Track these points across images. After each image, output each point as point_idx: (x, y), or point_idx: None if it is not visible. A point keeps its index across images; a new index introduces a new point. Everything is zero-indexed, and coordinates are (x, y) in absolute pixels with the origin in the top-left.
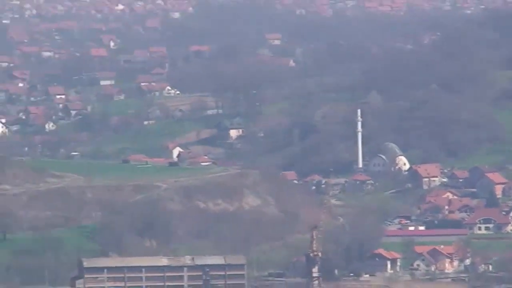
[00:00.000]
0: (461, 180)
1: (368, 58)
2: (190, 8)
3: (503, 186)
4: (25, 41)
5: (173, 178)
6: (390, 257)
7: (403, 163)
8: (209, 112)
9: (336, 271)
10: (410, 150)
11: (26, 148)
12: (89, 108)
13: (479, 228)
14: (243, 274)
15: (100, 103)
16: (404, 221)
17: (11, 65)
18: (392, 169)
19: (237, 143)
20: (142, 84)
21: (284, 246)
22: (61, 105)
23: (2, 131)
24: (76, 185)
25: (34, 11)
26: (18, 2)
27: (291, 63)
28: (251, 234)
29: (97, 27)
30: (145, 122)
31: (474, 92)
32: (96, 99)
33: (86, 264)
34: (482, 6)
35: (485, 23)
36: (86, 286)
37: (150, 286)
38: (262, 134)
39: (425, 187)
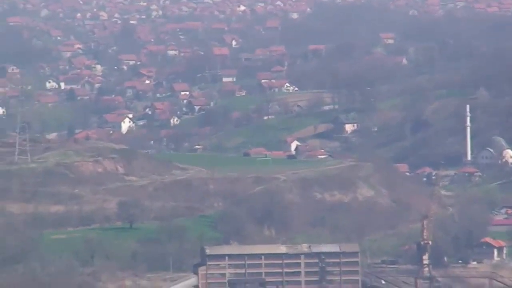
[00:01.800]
0: None
1: (476, 56)
2: (308, 9)
3: None
4: (152, 40)
5: (291, 170)
6: (497, 245)
7: (510, 156)
8: (326, 107)
9: (445, 258)
10: None
11: (152, 142)
12: (211, 103)
13: None
14: (357, 261)
15: (222, 99)
16: (510, 211)
17: (138, 63)
18: (499, 161)
19: (352, 137)
20: (262, 81)
21: (396, 235)
22: (185, 101)
23: (130, 126)
24: (199, 177)
25: (160, 12)
26: (145, 4)
27: (404, 61)
28: (364, 224)
29: (220, 27)
30: (265, 117)
31: None
32: (218, 95)
33: (208, 251)
34: None
35: None
36: (208, 272)
37: (269, 272)
38: (375, 129)
39: None
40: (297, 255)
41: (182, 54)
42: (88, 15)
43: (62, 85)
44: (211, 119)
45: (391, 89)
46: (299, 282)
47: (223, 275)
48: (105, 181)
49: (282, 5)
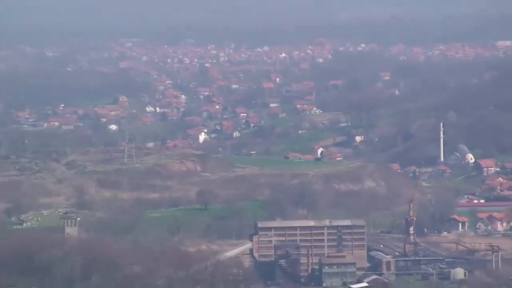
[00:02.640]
0: (509, 169)
1: (447, 89)
2: (329, 56)
3: None
4: (220, 77)
5: (317, 168)
6: (461, 221)
7: (470, 158)
8: (342, 124)
9: (425, 230)
10: (475, 149)
11: (220, 149)
12: (262, 122)
13: None
14: (364, 232)
15: (269, 119)
16: (470, 197)
17: (211, 94)
18: (463, 162)
19: (360, 145)
20: (297, 106)
21: (390, 214)
22: (243, 120)
23: (205, 138)
24: (253, 173)
25: (226, 58)
26: (215, 52)
27: (397, 92)
28: (368, 206)
29: (267, 68)
30: (299, 131)
31: None
32: (267, 116)
33: (260, 225)
34: None
35: None
36: (260, 240)
37: (302, 240)
38: (377, 139)
39: (484, 174)
40: (321, 228)
41: (241, 87)
42: (176, 60)
43: (157, 109)
44: (262, 133)
45: (388, 112)
46: (323, 247)
47: (270, 241)
48: (187, 176)
49: (311, 52)
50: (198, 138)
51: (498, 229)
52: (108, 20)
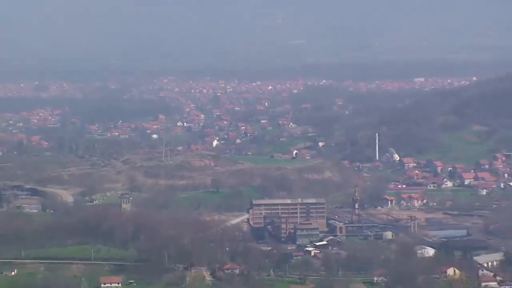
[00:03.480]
0: (422, 164)
1: (381, 111)
2: (301, 88)
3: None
4: (227, 102)
5: (293, 164)
6: (390, 199)
7: (396, 157)
8: (310, 134)
9: (365, 205)
10: (400, 151)
11: (227, 151)
12: (255, 133)
13: (431, 186)
14: (324, 207)
15: (261, 130)
16: (396, 183)
17: (221, 113)
18: (391, 160)
19: (322, 148)
20: (280, 122)
21: (342, 194)
22: (243, 132)
23: (217, 143)
24: (249, 167)
25: (231, 89)
26: (223, 85)
27: (347, 112)
28: (328, 189)
29: (259, 96)
30: (281, 139)
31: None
32: (259, 129)
33: (254, 202)
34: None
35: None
36: (254, 212)
37: (283, 212)
38: (333, 144)
39: (406, 168)
40: (295, 204)
41: (242, 109)
42: (197, 90)
43: (185, 124)
44: (255, 140)
45: (340, 126)
46: (296, 217)
47: (261, 213)
48: (204, 170)
49: (289, 86)
50: (212, 144)
51: (415, 205)
52: (152, 62)
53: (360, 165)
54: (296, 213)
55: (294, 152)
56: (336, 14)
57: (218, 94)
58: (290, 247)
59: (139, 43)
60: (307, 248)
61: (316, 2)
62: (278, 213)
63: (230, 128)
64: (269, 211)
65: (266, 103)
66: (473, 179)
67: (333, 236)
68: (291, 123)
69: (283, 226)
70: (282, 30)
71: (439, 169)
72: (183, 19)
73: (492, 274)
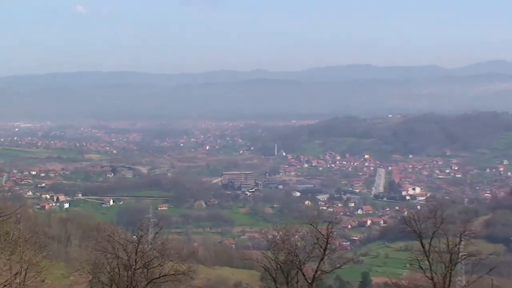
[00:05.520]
0: (295, 157)
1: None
2: (241, 125)
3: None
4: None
5: (240, 156)
6: (281, 172)
7: (284, 153)
8: (247, 144)
9: (271, 174)
10: (286, 151)
11: (213, 151)
12: (225, 143)
13: (299, 166)
14: (253, 175)
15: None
16: (284, 165)
17: (209, 135)
18: (282, 155)
19: (252, 150)
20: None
21: (261, 170)
22: (219, 143)
23: (208, 148)
24: (222, 158)
25: (214, 125)
26: (231, 124)
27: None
28: (254, 168)
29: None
30: (235, 146)
31: None
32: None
33: (223, 172)
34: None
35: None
36: (223, 177)
37: (236, 177)
38: (257, 148)
39: (288, 158)
40: (240, 174)
41: (218, 133)
42: (197, 132)
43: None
44: (225, 147)
45: (261, 141)
46: (241, 179)
47: (226, 177)
48: (203, 159)
49: (236, 123)
50: (206, 148)
51: (292, 174)
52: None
53: (269, 157)
54: (241, 177)
55: (241, 151)
56: None
57: (208, 127)
58: (239, 192)
59: None
60: (246, 192)
61: None
62: (234, 177)
63: (214, 142)
64: (230, 176)
65: (228, 131)
66: (317, 164)
67: (257, 187)
68: (240, 139)
69: (236, 183)
70: None
71: (302, 158)
72: None
73: (324, 203)
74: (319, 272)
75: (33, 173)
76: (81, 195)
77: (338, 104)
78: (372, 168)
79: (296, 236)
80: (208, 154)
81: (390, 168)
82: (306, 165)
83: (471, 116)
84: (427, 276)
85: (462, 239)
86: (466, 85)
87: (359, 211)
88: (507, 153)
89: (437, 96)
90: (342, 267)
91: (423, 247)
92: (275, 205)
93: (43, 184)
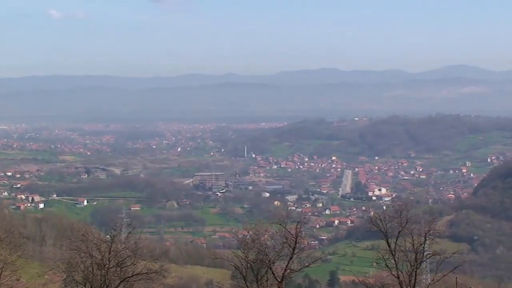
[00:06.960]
0: (264, 158)
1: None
2: (211, 127)
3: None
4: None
5: (211, 158)
6: (251, 172)
7: (253, 155)
8: (218, 146)
9: (240, 175)
10: (255, 153)
11: (185, 153)
12: (196, 145)
13: (268, 168)
14: (223, 175)
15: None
16: (253, 166)
17: (181, 138)
18: (252, 156)
19: (223, 152)
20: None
21: (231, 171)
22: (191, 145)
23: (180, 150)
24: (194, 160)
25: (185, 128)
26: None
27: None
28: (224, 169)
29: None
30: (206, 148)
31: None
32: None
33: (195, 173)
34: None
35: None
36: (195, 178)
37: (208, 178)
38: (228, 150)
39: (257, 160)
40: (211, 175)
41: (189, 136)
42: (169, 134)
43: (165, 142)
44: (197, 149)
45: (231, 143)
46: (212, 180)
47: (198, 178)
48: (175, 160)
49: (207, 126)
50: (178, 150)
51: (261, 175)
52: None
53: (239, 159)
54: (212, 178)
55: (211, 153)
56: None
57: (180, 130)
58: (210, 192)
59: None
60: (217, 193)
61: None
62: (205, 178)
63: (186, 144)
64: (201, 177)
65: (199, 133)
66: (285, 165)
67: (228, 188)
68: (211, 141)
69: (207, 184)
70: None
71: (271, 160)
72: None
73: (293, 204)
74: (288, 271)
75: (9, 174)
76: (55, 195)
77: (306, 107)
78: (339, 169)
79: (266, 235)
80: (179, 156)
81: (356, 169)
82: (275, 167)
83: (435, 119)
84: (393, 275)
85: (427, 238)
86: (430, 89)
87: (327, 211)
88: (470, 154)
89: (402, 100)
90: (311, 266)
91: (389, 246)
92: (245, 205)
93: (18, 185)
